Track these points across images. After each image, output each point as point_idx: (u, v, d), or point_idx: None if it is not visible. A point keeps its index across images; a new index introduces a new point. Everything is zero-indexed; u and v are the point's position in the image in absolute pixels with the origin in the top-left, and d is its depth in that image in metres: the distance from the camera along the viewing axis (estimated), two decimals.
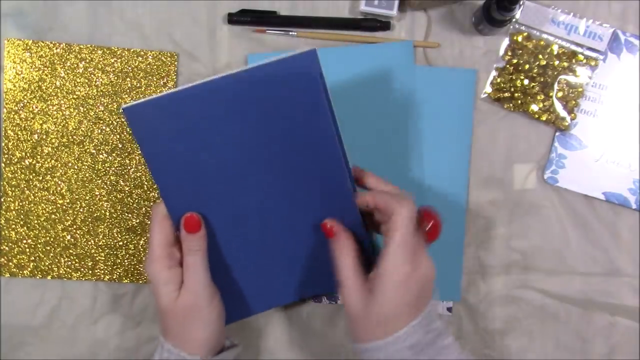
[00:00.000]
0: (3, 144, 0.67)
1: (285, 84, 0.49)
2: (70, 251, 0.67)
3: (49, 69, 0.67)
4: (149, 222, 0.58)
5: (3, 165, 0.66)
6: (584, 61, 0.66)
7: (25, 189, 0.66)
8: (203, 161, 0.52)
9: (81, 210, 0.67)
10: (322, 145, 0.52)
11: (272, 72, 0.49)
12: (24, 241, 0.67)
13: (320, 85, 0.50)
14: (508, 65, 0.67)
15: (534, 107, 0.66)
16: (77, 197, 0.67)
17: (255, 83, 0.50)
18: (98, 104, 0.67)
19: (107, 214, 0.67)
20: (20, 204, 0.66)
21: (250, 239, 0.56)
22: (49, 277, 0.67)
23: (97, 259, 0.67)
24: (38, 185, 0.67)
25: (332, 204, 0.55)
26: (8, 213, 0.66)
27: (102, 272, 0.67)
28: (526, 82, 0.66)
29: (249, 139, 0.52)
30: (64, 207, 0.67)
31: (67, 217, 0.67)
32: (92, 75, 0.67)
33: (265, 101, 0.50)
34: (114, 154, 0.67)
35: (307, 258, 0.58)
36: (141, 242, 0.67)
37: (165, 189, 0.52)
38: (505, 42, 0.67)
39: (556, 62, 0.66)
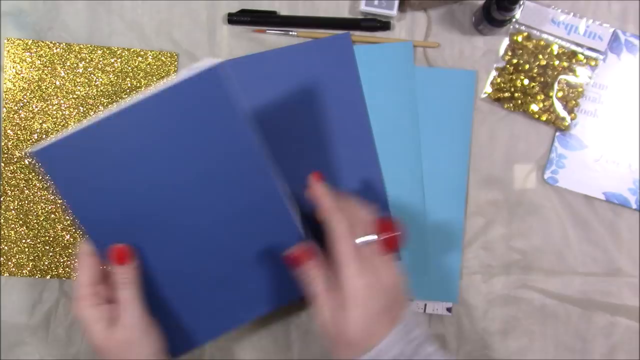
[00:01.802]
0: (2, 144, 0.67)
1: (195, 106, 0.48)
2: (70, 251, 0.67)
3: (49, 68, 0.67)
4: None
5: (2, 164, 0.66)
6: (584, 61, 0.66)
7: (25, 188, 0.66)
8: (125, 191, 0.50)
9: None
10: (245, 162, 0.50)
11: (178, 94, 0.47)
12: (23, 240, 0.66)
13: (230, 104, 0.48)
14: (508, 65, 0.67)
15: (534, 107, 0.66)
16: None
17: (166, 107, 0.48)
18: (98, 104, 0.67)
19: None
20: (20, 203, 0.66)
21: (189, 265, 0.54)
22: (48, 277, 0.67)
23: None
24: (37, 184, 0.67)
25: (267, 219, 0.53)
26: (7, 212, 0.66)
27: None
28: (526, 82, 0.66)
29: (169, 163, 0.50)
30: (64, 206, 0.67)
31: (67, 217, 0.67)
32: (92, 75, 0.67)
33: (180, 124, 0.49)
34: None
35: (255, 275, 0.56)
36: None
37: (88, 225, 0.50)
38: (505, 42, 0.67)
39: (556, 62, 0.66)
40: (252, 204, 0.52)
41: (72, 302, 0.50)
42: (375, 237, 0.50)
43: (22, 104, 0.66)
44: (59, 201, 0.66)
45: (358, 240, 0.50)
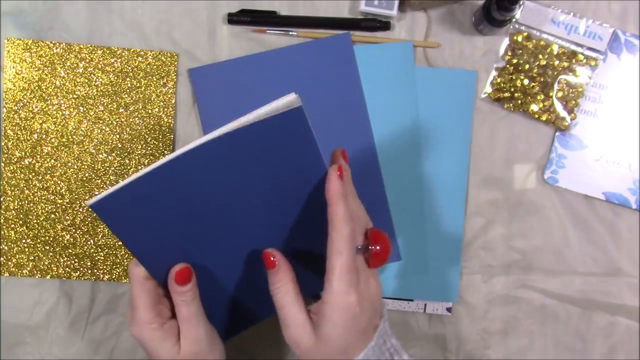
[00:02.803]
0: (3, 144, 0.66)
1: (274, 142, 0.46)
2: (70, 251, 0.67)
3: (49, 68, 0.67)
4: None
5: (2, 164, 0.66)
6: (584, 61, 0.66)
7: (25, 188, 0.66)
8: (180, 223, 0.49)
9: (81, 209, 0.67)
10: (317, 195, 0.48)
11: (257, 131, 0.45)
12: (23, 240, 0.66)
13: (312, 141, 0.47)
14: (508, 65, 0.67)
15: (534, 107, 0.66)
16: (76, 196, 0.67)
17: (243, 143, 0.45)
18: (98, 104, 0.67)
19: None
20: (20, 203, 0.66)
21: (231, 276, 0.55)
22: (48, 277, 0.67)
23: (96, 258, 0.67)
24: (37, 184, 0.67)
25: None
26: (7, 212, 0.66)
27: (101, 271, 0.67)
28: (526, 82, 0.66)
29: (235, 198, 0.48)
30: (64, 206, 0.67)
31: (67, 217, 0.67)
32: (92, 75, 0.67)
33: (254, 160, 0.47)
34: (113, 154, 0.67)
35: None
36: None
37: (144, 257, 0.50)
38: (505, 42, 0.67)
39: (556, 62, 0.66)
40: (313, 240, 0.51)
41: (134, 326, 0.49)
42: (376, 248, 0.48)
43: (22, 104, 0.66)
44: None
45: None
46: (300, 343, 0.48)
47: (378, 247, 0.48)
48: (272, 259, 0.50)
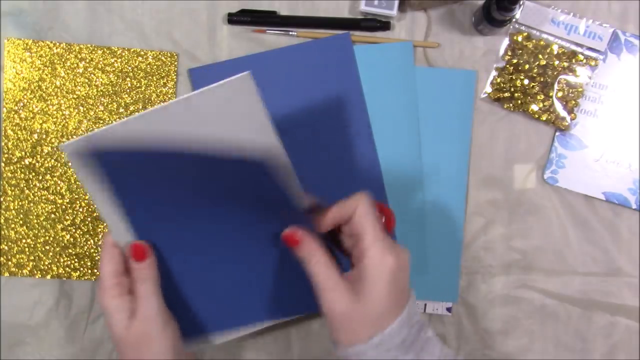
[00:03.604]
0: (3, 144, 0.67)
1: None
2: (70, 251, 0.67)
3: (49, 68, 0.67)
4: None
5: (3, 164, 0.66)
6: (584, 61, 0.66)
7: (25, 188, 0.66)
8: (153, 187, 0.50)
9: (81, 209, 0.67)
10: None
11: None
12: (24, 240, 0.66)
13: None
14: (508, 65, 0.67)
15: (534, 107, 0.66)
16: (76, 196, 0.67)
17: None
18: (98, 104, 0.67)
19: None
20: (20, 203, 0.66)
21: (211, 263, 0.55)
22: (48, 277, 0.67)
23: (96, 258, 0.67)
24: (37, 184, 0.67)
25: (287, 219, 0.52)
26: (7, 212, 0.66)
27: None
28: (526, 82, 0.66)
29: (196, 166, 0.50)
30: (64, 206, 0.67)
31: (67, 217, 0.67)
32: (92, 75, 0.67)
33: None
34: None
35: (274, 281, 0.56)
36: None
37: (110, 218, 0.51)
38: (505, 42, 0.67)
39: (556, 62, 0.66)
40: (272, 208, 0.52)
41: (97, 292, 0.52)
42: (385, 216, 0.51)
43: (22, 104, 0.66)
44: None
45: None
46: (336, 306, 0.47)
47: (388, 216, 0.51)
48: (294, 237, 0.49)
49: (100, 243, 0.65)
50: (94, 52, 0.67)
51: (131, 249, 0.51)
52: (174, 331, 0.52)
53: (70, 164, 0.48)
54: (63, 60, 0.67)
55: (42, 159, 0.66)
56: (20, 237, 0.66)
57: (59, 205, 0.67)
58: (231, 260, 0.55)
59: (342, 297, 0.47)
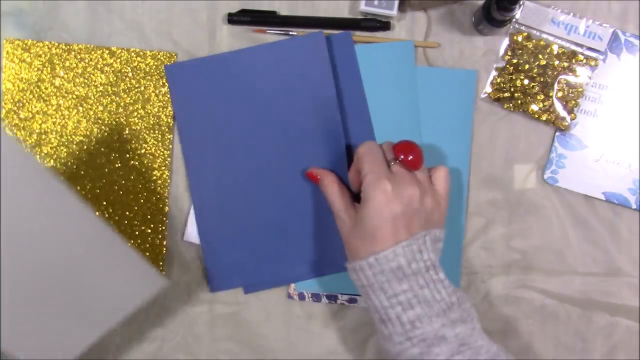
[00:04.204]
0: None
1: (298, 58, 0.64)
2: None
3: (48, 68, 0.66)
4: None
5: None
6: (584, 61, 0.66)
7: None
8: (225, 121, 0.65)
9: None
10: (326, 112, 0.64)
11: (285, 48, 0.64)
12: None
13: (327, 60, 0.63)
14: (508, 65, 0.67)
15: (534, 107, 0.66)
16: None
17: (275, 55, 0.64)
18: (97, 104, 0.67)
19: (107, 214, 0.67)
20: None
21: (265, 209, 0.65)
22: None
23: None
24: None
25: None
26: None
27: None
28: (526, 82, 0.66)
29: (266, 107, 0.64)
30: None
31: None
32: (92, 76, 0.67)
33: (282, 72, 0.64)
34: (113, 154, 0.67)
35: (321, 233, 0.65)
36: (139, 242, 0.67)
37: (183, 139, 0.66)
38: (505, 42, 0.67)
39: (556, 62, 0.66)
40: (325, 155, 0.64)
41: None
42: (408, 155, 0.57)
43: (21, 104, 0.66)
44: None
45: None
46: (343, 225, 0.57)
47: (410, 157, 0.56)
48: (314, 174, 0.62)
49: (146, 215, 0.68)
50: (93, 52, 0.67)
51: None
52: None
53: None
54: (62, 60, 0.67)
55: (42, 160, 0.66)
56: None
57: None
58: (273, 206, 0.65)
59: (348, 218, 0.56)
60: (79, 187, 0.66)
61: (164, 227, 0.67)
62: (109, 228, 0.55)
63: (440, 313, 0.51)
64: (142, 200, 0.67)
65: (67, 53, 0.67)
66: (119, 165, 0.67)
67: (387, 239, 0.52)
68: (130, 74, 0.67)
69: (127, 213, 0.67)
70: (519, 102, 0.67)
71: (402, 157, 0.56)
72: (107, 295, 0.56)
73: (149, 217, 0.67)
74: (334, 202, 0.58)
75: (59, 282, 0.54)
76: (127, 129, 0.67)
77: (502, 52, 0.67)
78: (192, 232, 0.66)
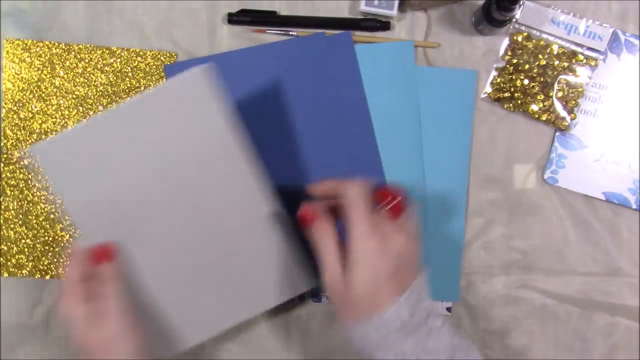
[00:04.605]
0: (2, 144, 0.66)
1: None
2: (70, 251, 0.67)
3: (48, 68, 0.66)
4: None
5: (2, 164, 0.66)
6: (584, 61, 0.66)
7: (24, 188, 0.66)
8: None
9: None
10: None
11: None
12: (23, 241, 0.66)
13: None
14: (508, 65, 0.67)
15: (534, 107, 0.66)
16: None
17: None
18: (97, 104, 0.67)
19: None
20: (19, 203, 0.66)
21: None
22: (47, 277, 0.67)
23: None
24: (37, 184, 0.66)
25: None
26: (7, 212, 0.66)
27: None
28: (526, 82, 0.66)
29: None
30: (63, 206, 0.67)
31: (66, 217, 0.67)
32: (92, 75, 0.67)
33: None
34: None
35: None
36: None
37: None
38: (505, 42, 0.67)
39: (556, 62, 0.66)
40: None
41: (62, 300, 0.51)
42: (389, 202, 0.52)
43: (21, 104, 0.66)
44: (57, 199, 0.66)
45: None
46: (334, 288, 0.50)
47: (390, 201, 0.51)
48: (309, 214, 0.52)
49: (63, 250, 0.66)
50: (93, 52, 0.67)
51: (94, 250, 0.52)
52: (139, 335, 0.52)
53: (41, 164, 0.51)
54: (62, 60, 0.67)
55: None
56: (20, 237, 0.66)
57: (58, 205, 0.67)
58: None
59: (336, 281, 0.50)
60: None
61: None
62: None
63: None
64: None
65: (67, 53, 0.67)
66: None
67: (385, 298, 0.48)
68: (130, 74, 0.67)
69: None
70: (519, 102, 0.67)
71: (386, 203, 0.52)
72: (261, 284, 0.57)
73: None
74: (329, 258, 0.51)
75: (230, 257, 0.56)
76: None
77: (502, 52, 0.67)
78: None
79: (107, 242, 0.52)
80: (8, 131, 0.66)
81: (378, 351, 0.48)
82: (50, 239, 0.67)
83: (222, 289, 0.58)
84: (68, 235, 0.66)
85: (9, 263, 0.66)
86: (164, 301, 0.56)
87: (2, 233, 0.66)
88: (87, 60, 0.67)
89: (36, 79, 0.66)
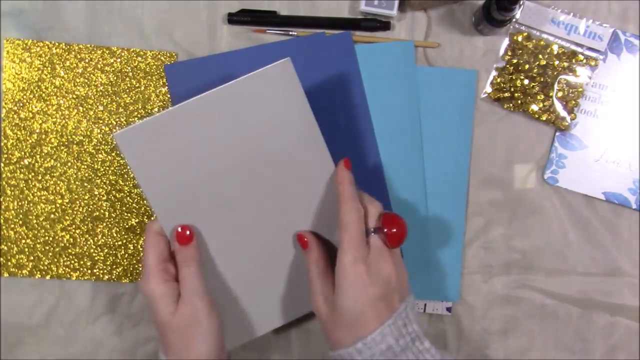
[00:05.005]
0: (2, 144, 0.66)
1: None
2: (69, 251, 0.67)
3: (49, 68, 0.67)
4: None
5: (2, 164, 0.66)
6: (584, 61, 0.66)
7: (25, 188, 0.66)
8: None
9: (80, 209, 0.67)
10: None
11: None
12: (23, 241, 0.66)
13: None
14: (508, 65, 0.67)
15: (534, 107, 0.66)
16: (76, 196, 0.67)
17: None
18: (97, 104, 0.67)
19: (107, 213, 0.67)
20: (20, 203, 0.66)
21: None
22: (47, 277, 0.67)
23: (96, 258, 0.67)
24: (37, 184, 0.66)
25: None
26: (7, 213, 0.66)
27: (101, 271, 0.67)
28: (526, 82, 0.66)
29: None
30: (63, 206, 0.67)
31: (66, 217, 0.67)
32: (92, 75, 0.67)
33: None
34: (113, 154, 0.67)
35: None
36: (140, 241, 0.67)
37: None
38: (505, 42, 0.67)
39: (556, 62, 0.66)
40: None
41: (140, 279, 0.52)
42: (390, 231, 0.52)
43: (21, 104, 0.66)
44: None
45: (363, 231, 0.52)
46: (320, 312, 0.52)
47: (394, 230, 0.52)
48: (305, 239, 0.56)
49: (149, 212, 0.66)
50: (93, 52, 0.67)
51: (177, 233, 0.53)
52: (218, 315, 0.53)
53: (122, 151, 0.51)
54: (62, 60, 0.67)
55: (42, 159, 0.66)
56: (20, 237, 0.66)
57: (58, 205, 0.67)
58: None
59: (322, 304, 0.52)
60: (78, 186, 0.67)
61: None
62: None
63: None
64: (143, 201, 0.67)
65: (67, 53, 0.67)
66: (119, 165, 0.67)
67: (371, 323, 0.49)
68: (130, 74, 0.67)
69: (127, 214, 0.67)
70: (519, 102, 0.67)
71: (386, 230, 0.52)
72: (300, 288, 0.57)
73: (152, 217, 0.67)
74: (316, 285, 0.53)
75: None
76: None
77: (502, 52, 0.67)
78: None
79: (186, 225, 0.53)
80: (8, 131, 0.66)
81: None
82: (50, 239, 0.67)
83: (289, 279, 0.59)
84: (69, 235, 0.67)
85: (9, 263, 0.66)
86: (236, 288, 0.57)
87: (2, 233, 0.66)
88: (87, 60, 0.67)
89: (36, 79, 0.66)
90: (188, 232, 0.53)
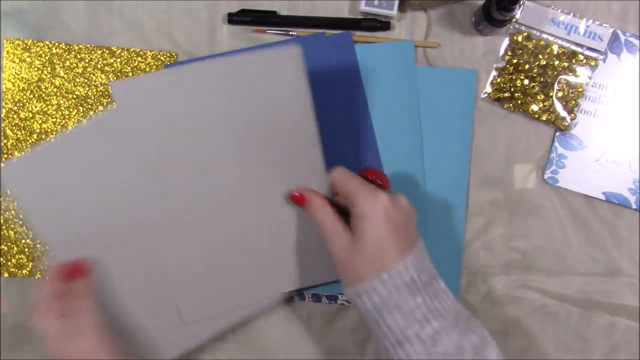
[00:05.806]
0: (2, 144, 0.66)
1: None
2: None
3: (48, 68, 0.67)
4: None
5: (2, 164, 0.66)
6: (584, 61, 0.66)
7: None
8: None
9: None
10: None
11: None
12: (23, 241, 0.66)
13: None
14: (508, 65, 0.67)
15: (534, 107, 0.66)
16: None
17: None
18: (97, 104, 0.67)
19: None
20: None
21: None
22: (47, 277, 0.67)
23: None
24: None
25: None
26: (7, 212, 0.66)
27: None
28: (526, 82, 0.66)
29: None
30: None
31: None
32: (92, 75, 0.67)
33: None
34: None
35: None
36: None
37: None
38: (505, 42, 0.67)
39: (556, 62, 0.66)
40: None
41: (34, 314, 0.51)
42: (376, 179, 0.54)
43: (21, 104, 0.66)
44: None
45: None
46: (341, 250, 0.51)
47: (382, 180, 0.55)
48: (302, 196, 0.55)
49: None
50: (93, 52, 0.67)
51: (72, 267, 0.53)
52: (117, 347, 0.52)
53: (7, 186, 0.50)
54: (62, 60, 0.67)
55: None
56: (20, 237, 0.66)
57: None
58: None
59: (346, 241, 0.51)
60: None
61: None
62: None
63: (454, 323, 0.49)
64: None
65: (67, 53, 0.67)
66: None
67: (394, 252, 0.49)
68: (130, 74, 0.67)
69: None
70: (519, 102, 0.67)
71: (373, 177, 0.55)
72: (293, 264, 0.58)
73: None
74: (329, 225, 0.52)
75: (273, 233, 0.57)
76: None
77: (502, 52, 0.67)
78: None
79: (81, 258, 0.53)
80: (8, 131, 0.66)
81: (386, 310, 0.49)
82: None
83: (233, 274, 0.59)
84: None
85: (9, 263, 0.66)
86: (149, 309, 0.57)
87: (2, 233, 0.66)
88: (87, 60, 0.67)
89: (36, 79, 0.66)
90: (81, 266, 0.53)
